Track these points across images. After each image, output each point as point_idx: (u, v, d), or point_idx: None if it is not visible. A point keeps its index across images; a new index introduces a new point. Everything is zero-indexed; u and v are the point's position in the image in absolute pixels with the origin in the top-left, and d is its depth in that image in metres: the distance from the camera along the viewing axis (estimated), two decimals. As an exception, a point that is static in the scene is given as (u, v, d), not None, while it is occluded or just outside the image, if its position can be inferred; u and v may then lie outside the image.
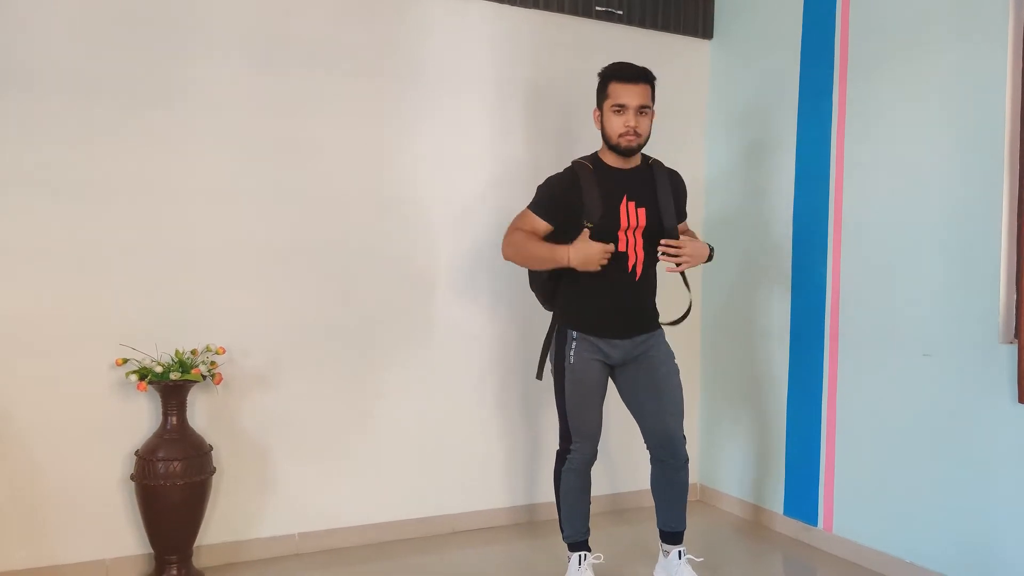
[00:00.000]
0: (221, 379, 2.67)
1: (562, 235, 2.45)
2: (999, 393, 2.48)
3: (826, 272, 3.08)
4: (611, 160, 2.47)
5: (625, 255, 2.44)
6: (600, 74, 2.48)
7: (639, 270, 2.47)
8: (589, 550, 2.55)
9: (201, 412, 2.75)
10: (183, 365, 2.56)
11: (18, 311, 2.52)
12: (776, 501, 3.29)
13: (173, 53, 2.70)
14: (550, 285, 2.55)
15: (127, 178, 2.65)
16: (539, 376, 2.57)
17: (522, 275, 3.26)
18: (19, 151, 2.52)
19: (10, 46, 2.50)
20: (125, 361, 2.59)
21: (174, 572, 2.56)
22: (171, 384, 2.52)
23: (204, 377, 2.59)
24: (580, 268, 2.34)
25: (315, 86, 2.91)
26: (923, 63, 2.74)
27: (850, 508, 2.98)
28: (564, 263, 2.35)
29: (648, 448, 2.57)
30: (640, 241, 2.45)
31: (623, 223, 2.42)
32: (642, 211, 2.44)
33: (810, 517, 3.13)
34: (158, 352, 2.64)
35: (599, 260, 2.33)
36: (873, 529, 2.88)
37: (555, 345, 2.51)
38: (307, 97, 2.90)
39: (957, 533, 2.61)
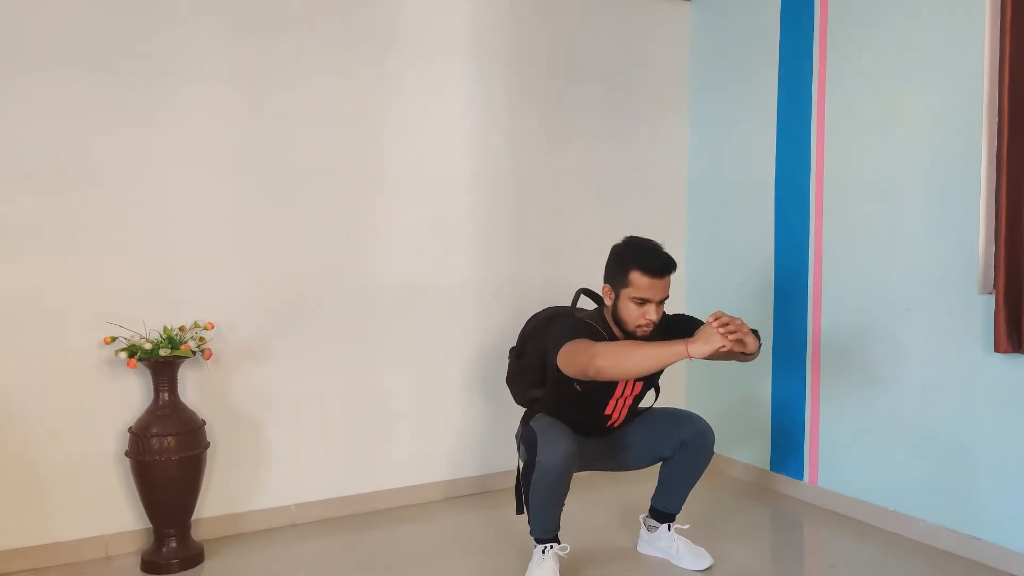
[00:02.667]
0: (211, 354, 2.68)
1: (546, 380, 2.41)
2: (977, 344, 2.54)
3: (808, 230, 3.11)
4: (619, 335, 2.39)
5: (609, 416, 2.48)
6: (619, 255, 2.34)
7: (618, 423, 2.53)
8: (558, 541, 2.42)
9: (192, 387, 2.77)
10: (172, 341, 2.56)
11: (4, 291, 2.51)
12: (763, 458, 3.36)
13: (149, 30, 2.67)
14: (528, 398, 2.51)
15: (109, 156, 2.63)
16: (519, 511, 2.42)
17: (499, 243, 3.28)
18: (1, 130, 2.50)
19: (-17, 24, 2.47)
20: (113, 339, 2.59)
21: (173, 545, 2.59)
22: (161, 360, 2.53)
23: (194, 353, 2.60)
24: (700, 355, 2.10)
25: (293, 57, 2.89)
26: (902, 24, 2.75)
27: (834, 461, 3.05)
28: (683, 355, 2.10)
29: (677, 446, 2.48)
30: (628, 404, 2.49)
31: (617, 393, 2.43)
32: (639, 383, 2.45)
33: (796, 471, 3.21)
34: (146, 329, 2.65)
35: (720, 341, 2.09)
36: (857, 480, 2.96)
37: (526, 435, 2.34)
38: (286, 69, 2.88)
39: (938, 480, 2.68)
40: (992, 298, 2.48)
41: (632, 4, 3.53)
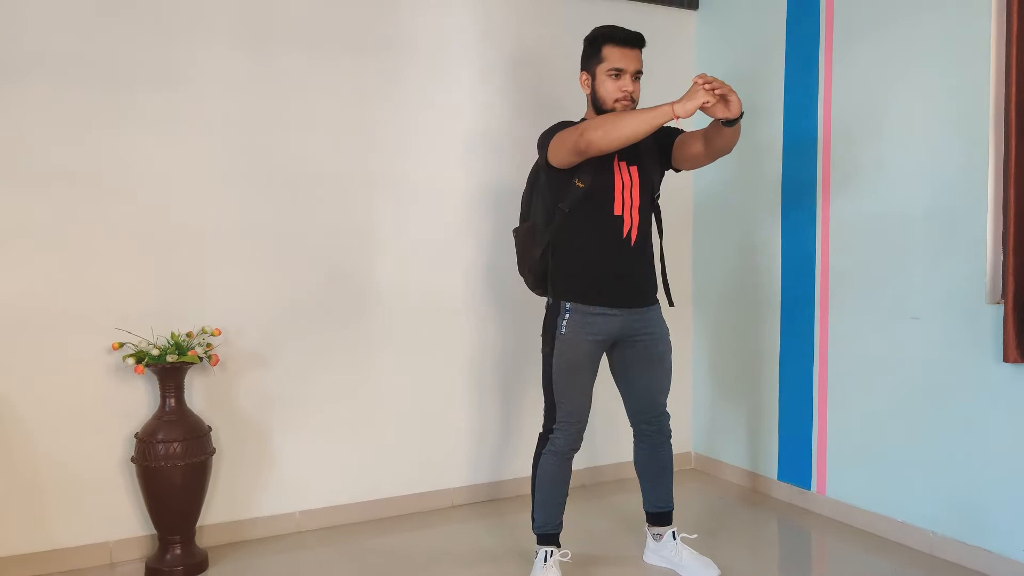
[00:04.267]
0: (218, 360, 2.68)
1: (552, 192, 2.39)
2: (985, 353, 2.53)
3: (815, 238, 3.11)
4: None
5: (620, 219, 2.37)
6: (592, 37, 2.39)
7: (635, 235, 2.39)
8: (558, 546, 2.45)
9: (199, 393, 2.77)
10: (179, 347, 2.57)
11: (13, 297, 2.53)
12: (770, 467, 3.35)
13: (161, 37, 2.69)
14: (542, 264, 2.43)
15: (118, 163, 2.65)
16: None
17: (506, 247, 3.29)
18: (10, 138, 2.51)
19: (2, 32, 2.50)
20: (121, 345, 2.60)
21: (177, 552, 2.59)
22: (168, 366, 2.54)
23: (201, 359, 2.60)
24: (686, 112, 2.07)
25: (302, 66, 2.90)
26: (908, 32, 2.75)
27: (842, 471, 3.03)
28: (670, 115, 2.09)
29: (633, 424, 2.55)
30: (636, 202, 2.39)
31: (618, 183, 2.37)
32: (634, 169, 2.40)
33: (803, 481, 3.19)
34: (154, 335, 2.65)
35: (704, 96, 2.07)
36: (865, 490, 2.94)
37: (547, 318, 2.42)
38: (295, 77, 2.89)
39: (946, 491, 2.66)
40: (1000, 307, 2.47)
41: (637, 12, 3.54)
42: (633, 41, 2.36)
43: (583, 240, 2.37)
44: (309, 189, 2.94)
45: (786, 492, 3.26)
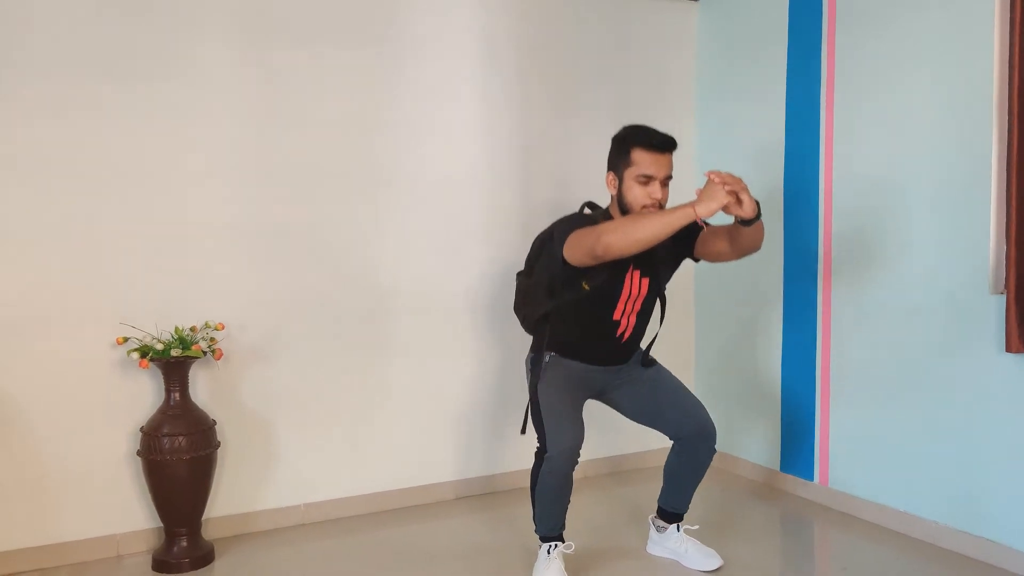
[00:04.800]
0: (222, 354, 2.70)
1: (558, 278, 2.34)
2: (988, 343, 2.53)
3: (818, 229, 3.11)
4: None
5: (617, 323, 2.40)
6: (621, 137, 2.33)
7: (628, 335, 2.44)
8: (562, 540, 2.42)
9: (203, 387, 2.78)
10: (183, 342, 2.58)
11: (18, 293, 2.54)
12: (773, 458, 3.35)
13: (165, 31, 2.69)
14: (535, 322, 2.47)
15: (121, 157, 2.65)
16: (523, 431, 2.47)
17: (511, 245, 3.29)
18: (13, 132, 2.52)
19: (5, 27, 2.49)
20: (126, 340, 2.61)
21: (184, 544, 2.61)
22: (172, 361, 2.55)
23: (205, 353, 2.62)
24: (708, 213, 2.04)
25: (302, 59, 2.90)
26: (911, 23, 2.74)
27: (844, 462, 3.04)
28: (691, 217, 2.05)
29: (678, 439, 2.50)
30: (637, 308, 2.41)
31: (624, 293, 2.36)
32: (645, 281, 2.38)
33: (806, 472, 3.20)
34: (158, 330, 2.67)
35: (724, 198, 2.04)
36: (867, 481, 2.94)
37: (531, 362, 2.44)
38: (295, 70, 2.89)
39: (948, 481, 2.67)
40: (1003, 298, 2.47)
41: (640, 4, 3.54)
42: (665, 146, 2.27)
43: (576, 330, 2.40)
44: (314, 184, 2.94)
45: (789, 483, 3.26)
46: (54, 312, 2.58)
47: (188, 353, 2.55)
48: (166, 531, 2.62)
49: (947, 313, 2.65)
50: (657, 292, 2.45)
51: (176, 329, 2.64)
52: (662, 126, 3.77)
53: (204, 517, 2.70)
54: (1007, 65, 2.43)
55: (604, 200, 2.47)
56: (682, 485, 2.56)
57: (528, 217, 3.34)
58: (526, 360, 2.52)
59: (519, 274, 2.62)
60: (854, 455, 3.00)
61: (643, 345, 2.56)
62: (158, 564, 2.58)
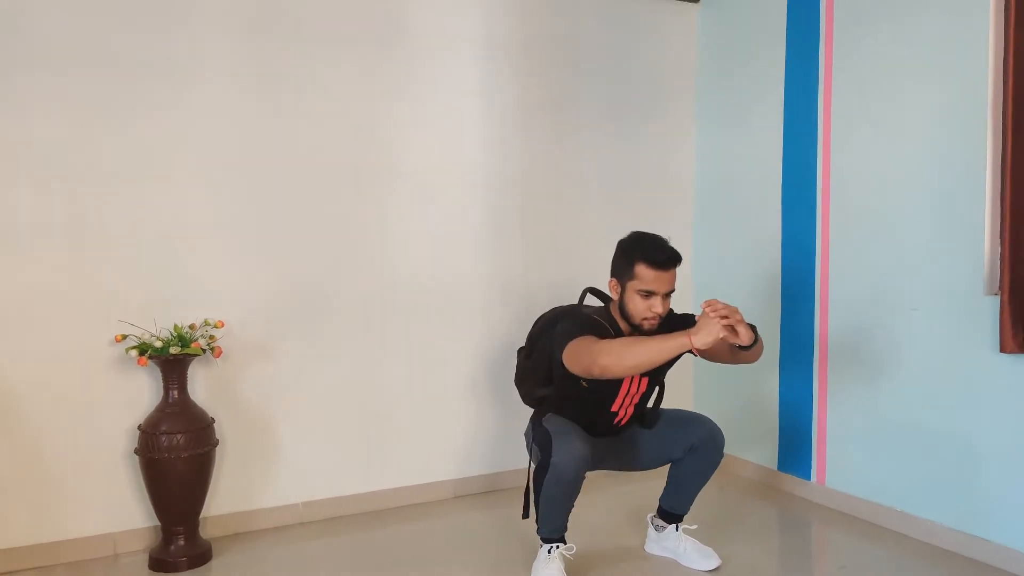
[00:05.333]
0: (221, 352, 2.69)
1: (556, 370, 2.39)
2: (983, 344, 2.55)
3: (815, 229, 3.13)
4: (626, 330, 2.39)
5: (616, 414, 2.47)
6: (626, 248, 2.36)
7: (626, 420, 2.51)
8: (564, 542, 2.41)
9: (202, 385, 2.78)
10: (182, 339, 2.57)
11: (16, 290, 2.53)
12: (770, 458, 3.37)
13: (160, 29, 2.69)
14: (537, 401, 2.53)
15: (119, 154, 2.65)
16: (525, 515, 2.47)
17: (513, 242, 3.31)
18: (14, 129, 2.51)
19: (4, 24, 2.48)
20: (124, 337, 2.60)
21: (181, 543, 2.59)
22: (171, 358, 2.54)
23: (204, 351, 2.61)
24: (704, 345, 2.11)
25: (303, 54, 2.90)
26: (908, 24, 2.76)
27: (842, 461, 3.05)
28: (687, 347, 2.11)
29: (687, 449, 2.49)
30: (636, 400, 2.47)
31: (623, 390, 2.42)
32: (644, 380, 2.44)
33: (804, 472, 3.21)
34: (157, 327, 2.66)
35: (720, 331, 2.11)
36: (864, 480, 2.96)
37: (531, 427, 2.47)
38: (296, 66, 2.90)
39: (945, 481, 2.68)
40: (998, 299, 2.49)
41: (641, 4, 3.56)
42: (669, 263, 2.30)
43: (574, 416, 2.42)
44: (313, 181, 2.94)
45: (786, 483, 3.28)
46: (52, 309, 2.57)
47: (187, 351, 2.55)
48: (163, 530, 2.61)
49: (942, 314, 2.67)
50: (656, 383, 2.52)
51: (175, 327, 2.64)
52: (662, 128, 3.80)
53: (202, 515, 2.69)
54: (1002, 68, 2.46)
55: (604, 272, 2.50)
56: (686, 487, 2.56)
57: (527, 215, 3.36)
58: (525, 433, 2.54)
59: (520, 351, 2.67)
60: (852, 455, 3.01)
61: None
62: (155, 563, 2.57)
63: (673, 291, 2.35)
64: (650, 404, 2.59)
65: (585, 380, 2.32)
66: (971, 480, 2.60)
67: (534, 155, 3.37)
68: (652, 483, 2.85)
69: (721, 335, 2.10)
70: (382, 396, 3.10)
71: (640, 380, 2.44)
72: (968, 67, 2.57)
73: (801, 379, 3.21)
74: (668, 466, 2.59)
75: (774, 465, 3.35)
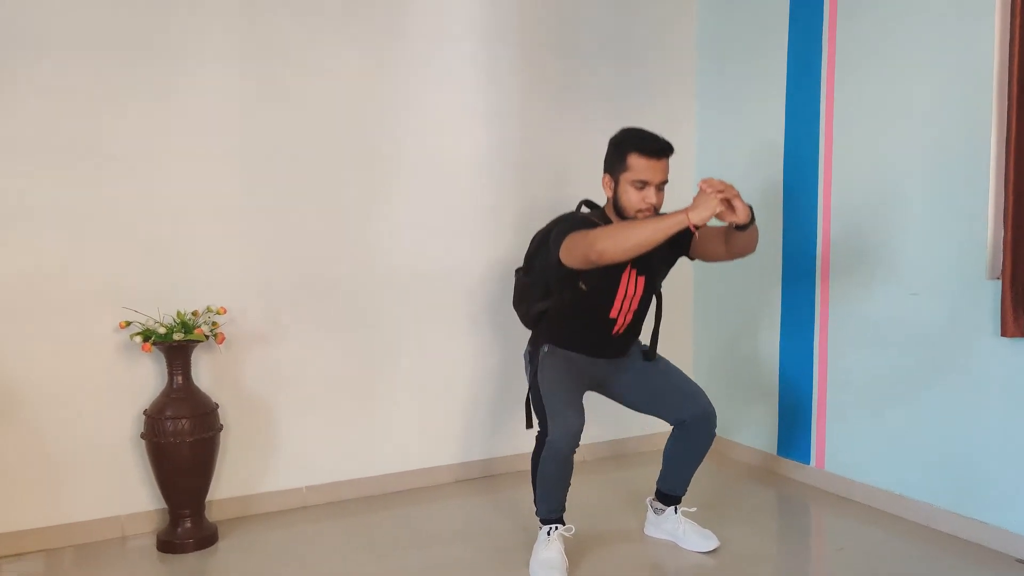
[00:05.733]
0: (224, 338, 2.72)
1: (555, 277, 2.40)
2: (984, 328, 2.54)
3: (816, 213, 3.12)
4: None
5: (614, 320, 2.43)
6: (618, 141, 2.36)
7: (624, 328, 2.47)
8: (563, 523, 2.44)
9: (205, 371, 2.81)
10: (186, 326, 2.60)
11: (21, 277, 2.56)
12: (770, 442, 3.38)
13: (161, 14, 2.69)
14: (534, 317, 2.53)
15: (122, 141, 2.66)
16: (528, 425, 2.50)
17: (512, 227, 3.31)
18: (14, 117, 2.52)
19: (3, 10, 2.49)
20: (128, 324, 2.63)
21: (188, 526, 2.64)
22: (175, 345, 2.57)
23: (207, 337, 2.64)
24: (701, 220, 2.09)
25: (304, 41, 2.90)
26: (913, 6, 2.74)
27: (841, 445, 3.06)
28: (684, 224, 2.09)
29: (679, 423, 2.53)
30: (634, 306, 2.44)
31: (621, 292, 2.39)
32: (642, 279, 2.41)
33: (803, 456, 3.22)
34: (160, 314, 2.68)
35: (717, 206, 2.11)
36: (863, 464, 2.97)
37: (528, 355, 2.50)
38: (297, 53, 2.90)
39: (944, 464, 2.69)
40: (999, 283, 2.48)
41: (641, -11, 3.53)
42: (661, 152, 2.30)
43: (574, 325, 2.43)
44: (315, 168, 2.95)
45: (786, 466, 3.29)
46: (57, 296, 2.60)
47: (191, 337, 2.57)
48: (170, 512, 2.66)
49: (944, 298, 2.67)
50: (653, 290, 2.49)
51: (178, 313, 2.66)
52: (663, 111, 3.78)
53: (208, 499, 2.73)
54: (1007, 54, 2.43)
55: (601, 197, 2.49)
56: (681, 468, 2.58)
57: (529, 201, 3.35)
58: (524, 354, 2.56)
59: (518, 271, 2.66)
60: (851, 439, 3.02)
61: (643, 340, 2.60)
62: (162, 545, 2.62)
63: (666, 182, 2.34)
64: (644, 353, 2.57)
65: (583, 282, 2.33)
66: (970, 464, 2.61)
67: (534, 141, 3.36)
68: (650, 467, 2.87)
69: (718, 209, 2.09)
70: (383, 382, 3.13)
71: (637, 281, 2.40)
72: (973, 50, 2.55)
73: (802, 364, 3.21)
74: (663, 447, 2.61)
75: (773, 449, 3.37)
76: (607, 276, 2.35)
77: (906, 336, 2.79)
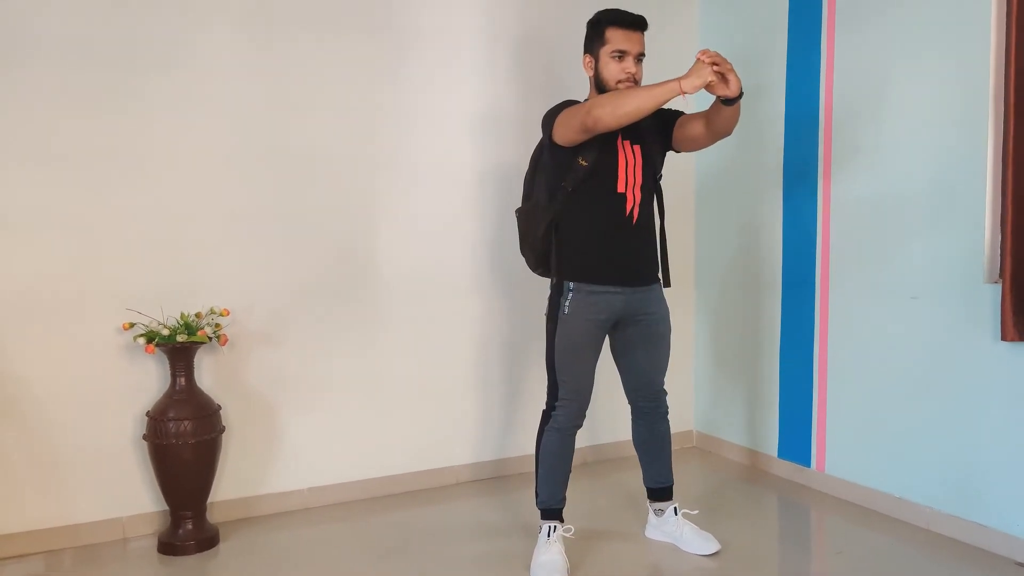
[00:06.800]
0: (227, 340, 2.72)
1: (555, 170, 2.41)
2: (983, 332, 2.56)
3: (816, 218, 3.13)
4: None
5: (624, 197, 2.39)
6: (595, 20, 2.42)
7: (636, 213, 2.41)
8: (562, 521, 2.47)
9: (208, 373, 2.81)
10: (189, 327, 2.61)
11: (26, 278, 2.57)
12: (770, 444, 3.39)
13: (166, 19, 2.71)
14: (544, 242, 2.44)
15: (126, 145, 2.67)
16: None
17: (510, 227, 3.31)
18: (19, 120, 2.54)
19: (7, 18, 2.51)
20: (132, 325, 2.64)
21: (189, 527, 2.64)
22: (178, 346, 2.58)
23: (210, 338, 2.65)
24: (692, 88, 2.13)
25: (305, 46, 2.92)
26: (910, 10, 2.76)
27: (841, 448, 3.07)
28: (676, 91, 2.14)
29: (631, 401, 2.60)
30: (639, 180, 2.41)
31: (622, 161, 2.39)
32: (637, 148, 2.42)
33: (803, 458, 3.23)
34: (163, 315, 2.69)
35: (710, 75, 2.13)
36: (864, 467, 2.98)
37: (551, 297, 2.45)
38: (299, 58, 2.91)
39: (944, 468, 2.70)
40: (999, 287, 2.50)
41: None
42: (636, 24, 2.38)
43: (586, 218, 2.40)
44: (317, 170, 2.96)
45: (786, 469, 3.30)
46: (61, 298, 2.61)
47: (193, 339, 2.58)
48: (172, 514, 2.66)
49: (943, 301, 2.68)
50: (652, 167, 2.46)
51: (182, 314, 2.67)
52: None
53: (209, 501, 2.73)
54: (1003, 55, 2.45)
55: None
56: (653, 455, 2.62)
57: (529, 206, 3.36)
58: (548, 297, 2.48)
59: (517, 210, 2.61)
60: (851, 442, 3.03)
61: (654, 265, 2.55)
62: (164, 547, 2.62)
63: (644, 55, 2.40)
64: (662, 269, 2.55)
65: (582, 158, 2.34)
66: (970, 467, 2.62)
67: (533, 140, 3.35)
68: (653, 469, 2.88)
69: (711, 79, 2.13)
70: (386, 384, 3.13)
71: (633, 149, 2.40)
72: (970, 53, 2.57)
73: (801, 367, 3.22)
74: (634, 447, 2.67)
75: (774, 452, 3.37)
76: (603, 148, 2.37)
77: (906, 339, 2.81)
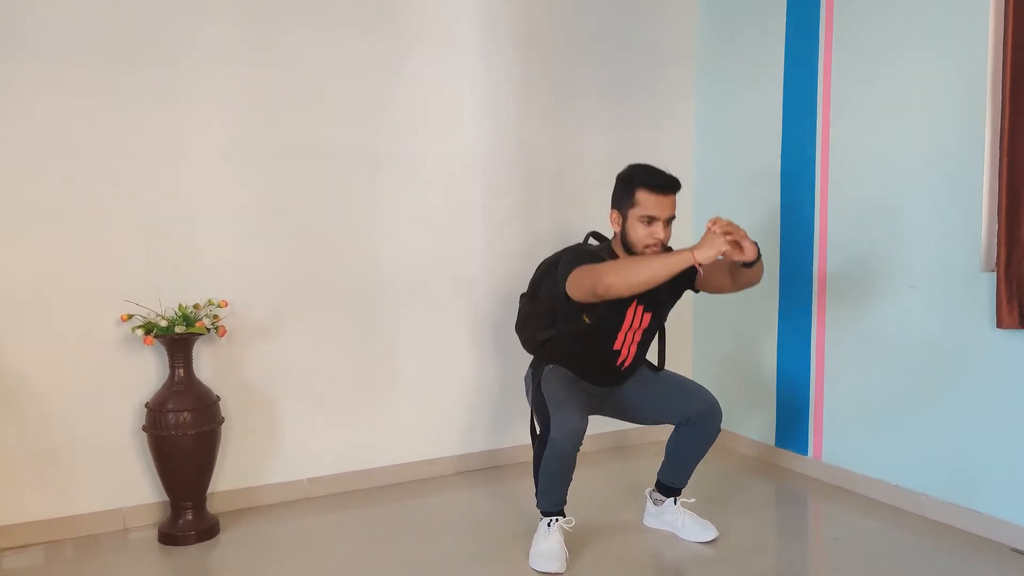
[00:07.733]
0: (225, 331, 2.73)
1: (560, 308, 2.42)
2: (980, 320, 2.57)
3: (814, 207, 3.14)
4: None
5: (618, 352, 2.45)
6: (626, 177, 2.38)
7: (628, 362, 2.50)
8: (563, 515, 2.44)
9: (207, 364, 2.82)
10: (187, 319, 2.61)
11: (24, 272, 2.56)
12: (768, 433, 3.41)
13: (167, 12, 2.69)
14: (536, 345, 2.55)
15: (126, 137, 2.67)
16: (533, 440, 2.44)
17: (513, 224, 3.33)
18: (18, 113, 2.53)
19: (7, 11, 2.49)
20: (130, 317, 2.64)
21: (189, 518, 2.65)
22: (177, 337, 2.58)
23: (208, 330, 2.65)
24: (706, 259, 2.12)
25: (303, 40, 2.91)
26: (908, 3, 2.75)
27: (838, 437, 3.09)
28: (690, 262, 2.11)
29: (684, 421, 2.51)
30: (638, 339, 2.47)
31: (626, 325, 2.42)
32: (648, 315, 2.43)
33: (800, 447, 3.25)
34: (162, 307, 2.69)
35: (723, 245, 2.12)
36: (860, 455, 3.00)
37: (530, 376, 2.50)
38: (297, 52, 2.90)
39: (940, 455, 2.72)
40: (994, 275, 2.51)
41: (639, -16, 3.54)
42: (669, 187, 2.33)
43: (577, 357, 2.46)
44: (315, 164, 2.96)
45: (784, 458, 3.32)
46: (60, 290, 2.61)
47: (192, 330, 2.58)
48: (172, 505, 2.67)
49: (940, 290, 2.69)
50: (658, 324, 2.52)
51: (180, 306, 2.67)
52: (663, 104, 3.79)
53: (209, 491, 2.74)
54: (1001, 46, 2.46)
55: (607, 228, 2.52)
56: (684, 462, 2.59)
57: (528, 199, 3.37)
58: (525, 377, 2.57)
59: (522, 296, 2.68)
60: (848, 430, 3.05)
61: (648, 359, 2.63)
62: (164, 537, 2.63)
63: (674, 218, 2.36)
64: (650, 366, 2.61)
65: (588, 315, 2.35)
66: (966, 455, 2.64)
67: (533, 135, 3.37)
68: (650, 459, 2.89)
69: (724, 249, 2.11)
70: (383, 374, 3.14)
71: (643, 317, 2.43)
72: (968, 44, 2.57)
73: (799, 356, 3.24)
74: (666, 441, 2.62)
75: (772, 441, 3.39)
76: (613, 311, 2.38)
77: (902, 328, 2.82)
